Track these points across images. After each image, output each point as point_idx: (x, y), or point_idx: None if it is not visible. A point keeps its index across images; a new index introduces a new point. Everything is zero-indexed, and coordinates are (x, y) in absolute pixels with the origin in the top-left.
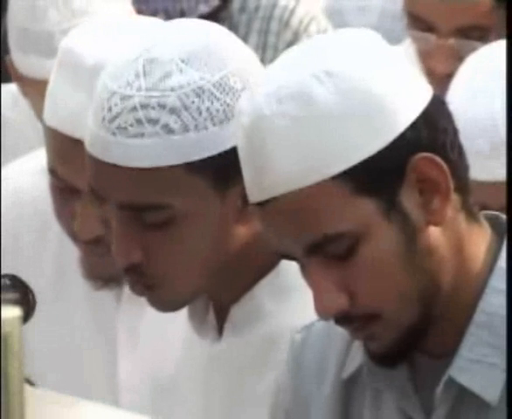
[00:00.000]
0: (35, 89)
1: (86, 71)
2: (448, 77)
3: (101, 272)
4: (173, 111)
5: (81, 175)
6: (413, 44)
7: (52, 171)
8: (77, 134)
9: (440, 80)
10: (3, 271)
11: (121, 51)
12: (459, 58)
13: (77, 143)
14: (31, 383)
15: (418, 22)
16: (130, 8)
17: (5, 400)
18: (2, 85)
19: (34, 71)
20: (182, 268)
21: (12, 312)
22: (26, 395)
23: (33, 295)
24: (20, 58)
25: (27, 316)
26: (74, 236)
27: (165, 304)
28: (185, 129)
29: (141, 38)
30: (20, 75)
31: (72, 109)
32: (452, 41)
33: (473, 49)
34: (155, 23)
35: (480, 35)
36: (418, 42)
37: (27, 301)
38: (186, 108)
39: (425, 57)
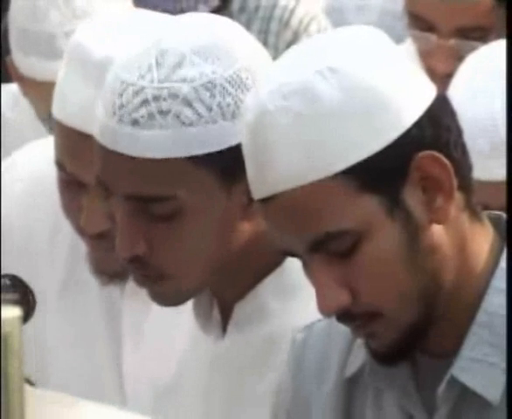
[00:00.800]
0: (35, 89)
1: (95, 65)
2: (448, 77)
3: (107, 267)
4: (184, 103)
5: (89, 170)
6: (414, 44)
7: (60, 165)
8: (85, 129)
9: (440, 80)
10: (17, 266)
11: (130, 45)
12: (459, 58)
13: (85, 137)
14: (31, 383)
15: (419, 21)
16: (131, 8)
17: (5, 400)
18: (2, 85)
19: (34, 71)
20: (185, 261)
21: (12, 312)
22: (26, 395)
23: (33, 295)
24: (21, 59)
25: (27, 316)
26: (81, 230)
27: (167, 297)
28: (196, 122)
29: (154, 30)
30: (21, 75)
31: (80, 103)
32: (452, 41)
33: (474, 49)
34: (163, 17)
35: (481, 35)
36: (419, 42)
37: (27, 301)
38: (197, 101)
39: (426, 56)
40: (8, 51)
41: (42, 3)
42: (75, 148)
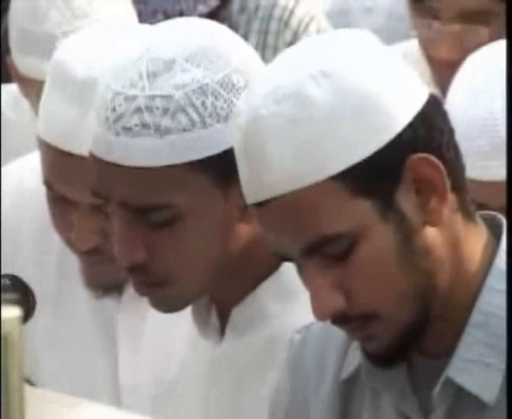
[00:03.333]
0: (36, 90)
1: (77, 85)
2: (455, 64)
3: (101, 281)
4: (177, 109)
5: (76, 188)
6: (416, 32)
7: (48, 184)
8: (70, 149)
9: (444, 68)
10: (3, 272)
11: (114, 61)
12: (462, 44)
13: (71, 157)
14: (31, 383)
15: (421, 9)
16: (131, 8)
17: (5, 399)
18: (2, 85)
19: (34, 71)
20: (185, 266)
21: (12, 312)
22: (26, 395)
23: (33, 295)
24: (20, 59)
25: (27, 316)
26: (72, 246)
27: (168, 304)
28: (190, 128)
29: (143, 38)
30: (21, 75)
31: (63, 124)
32: (455, 26)
33: (478, 34)
34: (145, 29)
35: (484, 19)
36: (421, 29)
37: (27, 301)
38: (190, 106)
39: (429, 45)
40: (8, 51)
41: (42, 4)
42: (62, 168)
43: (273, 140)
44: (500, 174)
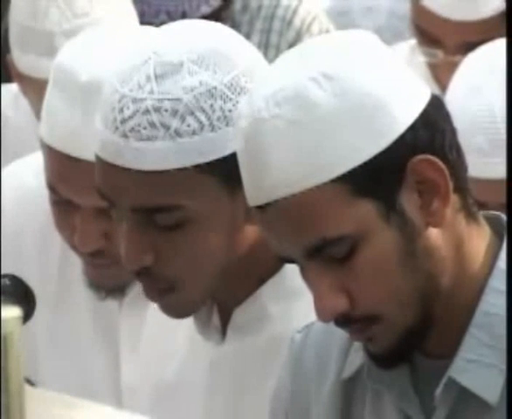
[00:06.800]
0: (35, 88)
1: (80, 88)
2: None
3: (104, 283)
4: (186, 112)
5: (79, 191)
6: (421, 56)
7: (51, 186)
8: (74, 153)
9: (443, 68)
10: (3, 272)
11: (116, 65)
12: None
13: (75, 161)
14: (31, 383)
15: (426, 36)
16: (131, 8)
17: (5, 400)
18: (2, 84)
19: (34, 70)
20: (194, 269)
21: (12, 312)
22: (26, 395)
23: (33, 295)
24: (20, 56)
25: (27, 316)
26: (75, 248)
27: (178, 309)
28: (199, 130)
29: (150, 41)
30: (20, 73)
31: (67, 128)
32: (459, 57)
33: None
34: (148, 31)
35: None
36: (426, 56)
37: (27, 301)
38: (199, 109)
39: (433, 67)
40: (8, 51)
41: (42, 2)
42: (65, 172)
43: (275, 143)
44: (499, 171)
